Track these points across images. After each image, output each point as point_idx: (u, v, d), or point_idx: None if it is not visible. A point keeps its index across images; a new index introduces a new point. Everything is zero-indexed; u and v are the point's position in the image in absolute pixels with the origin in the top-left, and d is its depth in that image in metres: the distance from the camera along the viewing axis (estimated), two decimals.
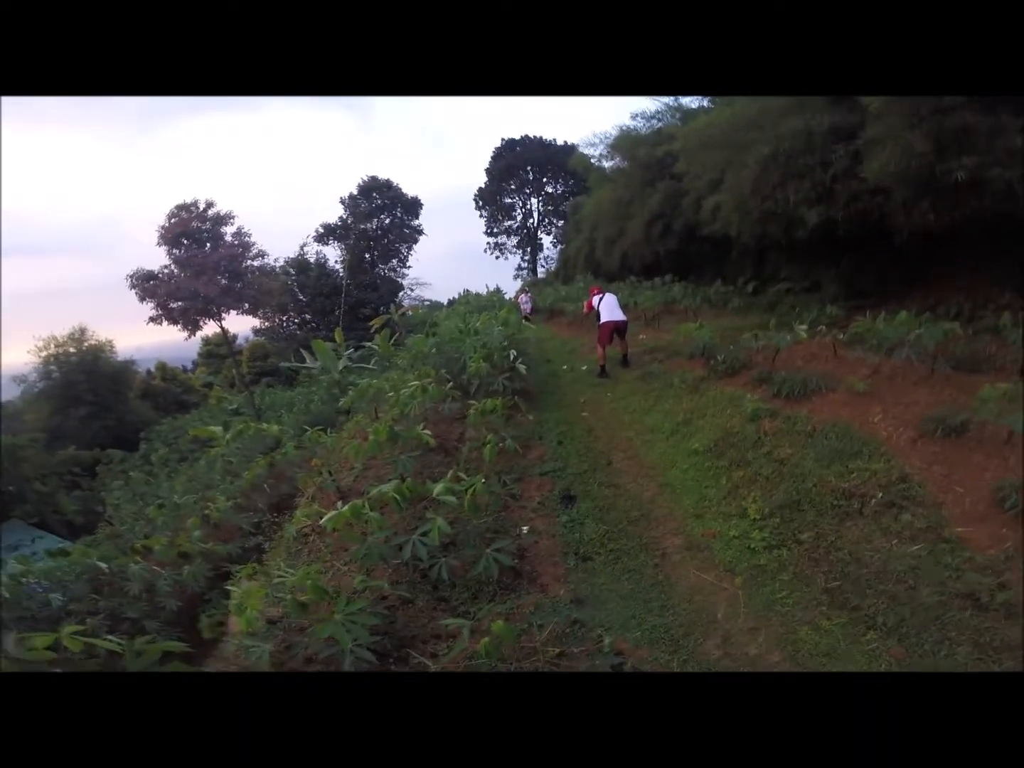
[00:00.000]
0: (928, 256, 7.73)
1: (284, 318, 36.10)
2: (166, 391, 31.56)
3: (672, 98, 16.25)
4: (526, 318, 13.84)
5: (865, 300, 8.22)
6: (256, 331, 35.01)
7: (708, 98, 14.38)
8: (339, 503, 3.50)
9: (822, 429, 4.88)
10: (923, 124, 6.01)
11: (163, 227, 19.60)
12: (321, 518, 3.47)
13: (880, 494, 3.91)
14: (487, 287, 26.16)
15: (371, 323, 11.74)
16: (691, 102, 15.79)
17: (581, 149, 23.18)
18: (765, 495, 4.39)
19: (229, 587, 3.21)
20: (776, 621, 3.25)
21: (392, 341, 10.92)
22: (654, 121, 17.02)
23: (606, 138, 18.53)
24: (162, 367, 33.99)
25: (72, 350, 24.15)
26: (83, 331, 24.62)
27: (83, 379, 23.24)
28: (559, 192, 41.59)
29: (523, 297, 18.79)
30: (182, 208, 19.80)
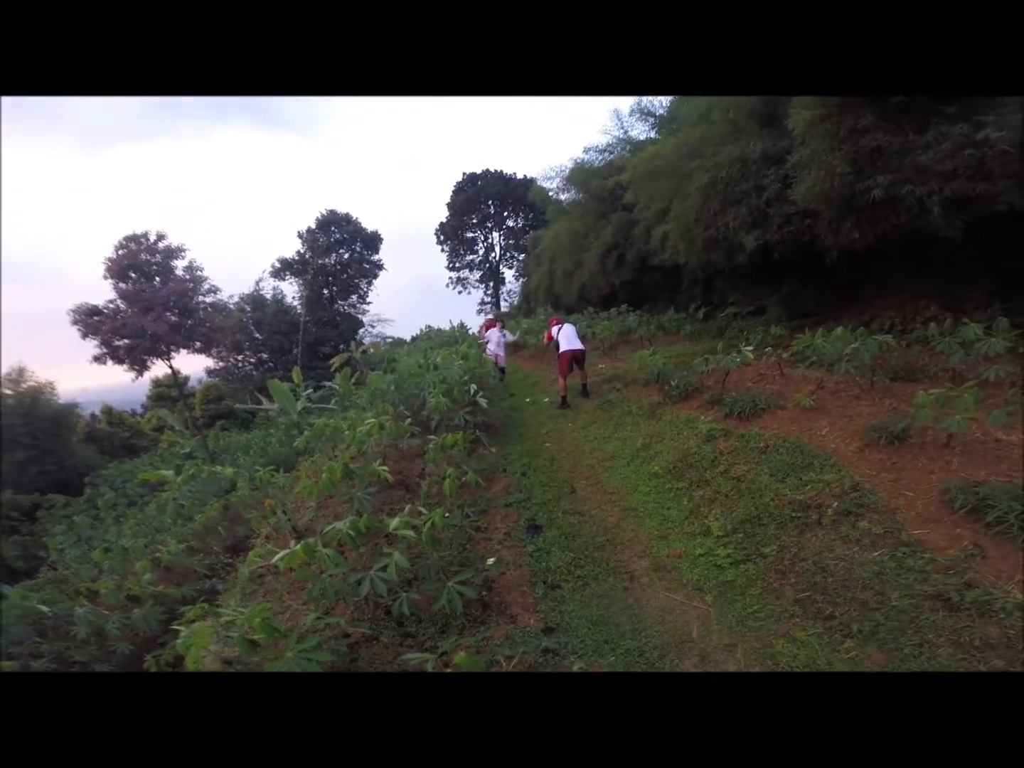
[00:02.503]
0: (859, 275, 8.18)
1: (239, 357, 35.08)
2: (112, 435, 29.92)
3: (621, 131, 16.94)
4: (499, 368, 11.59)
5: (806, 320, 8.61)
6: (210, 372, 33.84)
7: (655, 129, 15.02)
8: (293, 542, 3.35)
9: (774, 445, 5.03)
10: (842, 146, 6.39)
11: (110, 259, 18.70)
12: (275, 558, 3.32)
13: (835, 503, 4.02)
14: (450, 322, 26.18)
15: (331, 361, 11.53)
16: (640, 133, 16.44)
17: (539, 182, 23.58)
18: (726, 512, 4.47)
19: (176, 627, 3.02)
20: (751, 636, 3.25)
21: (353, 380, 10.69)
22: (606, 153, 17.63)
23: (562, 171, 19.05)
24: (108, 410, 32.32)
25: (9, 392, 22.72)
26: (21, 372, 23.26)
27: (20, 422, 21.80)
28: (520, 225, 42.17)
29: (495, 333, 11.95)
30: (131, 240, 18.93)
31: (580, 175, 17.52)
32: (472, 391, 7.07)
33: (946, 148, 5.73)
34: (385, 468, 4.47)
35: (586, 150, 18.50)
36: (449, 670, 2.25)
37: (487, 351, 11.82)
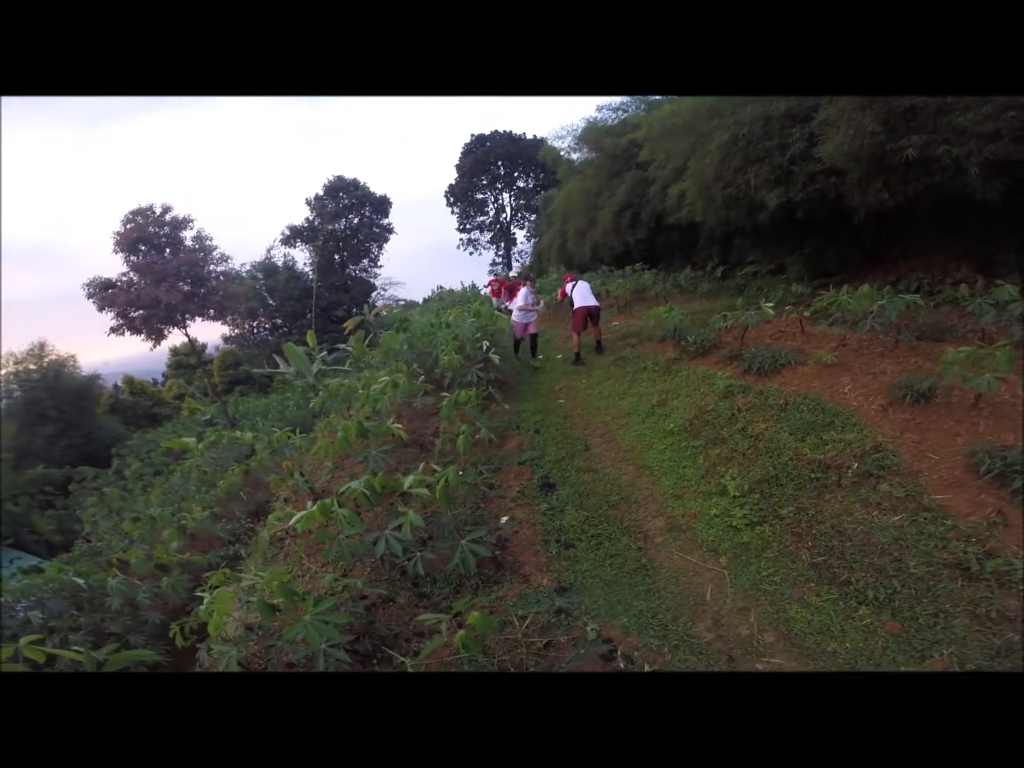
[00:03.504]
0: (886, 236, 7.91)
1: (254, 324, 35.36)
2: (135, 405, 30.69)
3: None
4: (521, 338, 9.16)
5: (828, 279, 8.37)
6: (226, 339, 34.24)
7: None
8: (310, 504, 3.37)
9: (794, 402, 4.91)
10: (873, 105, 6.13)
11: (118, 233, 18.94)
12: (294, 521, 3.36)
13: (856, 464, 3.93)
14: (462, 283, 25.99)
15: (344, 325, 11.55)
16: None
17: (550, 142, 23.13)
18: (743, 472, 4.40)
19: (199, 594, 3.09)
20: (765, 600, 3.25)
21: (367, 342, 10.72)
22: (619, 112, 17.10)
23: (573, 130, 18.63)
24: (129, 380, 33.05)
25: (32, 367, 23.26)
26: (42, 346, 23.77)
27: (46, 396, 22.42)
28: (530, 186, 41.41)
29: (527, 294, 8.94)
30: (137, 213, 19.17)
31: (593, 133, 17.04)
32: (485, 348, 7.02)
33: (987, 110, 5.49)
34: (399, 426, 4.47)
35: (599, 108, 18.10)
36: (461, 633, 2.26)
37: (513, 321, 9.05)
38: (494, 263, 43.47)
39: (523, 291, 8.99)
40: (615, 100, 17.25)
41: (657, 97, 15.54)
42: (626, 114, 16.81)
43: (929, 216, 6.78)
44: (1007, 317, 4.97)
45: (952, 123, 5.71)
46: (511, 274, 11.96)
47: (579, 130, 18.04)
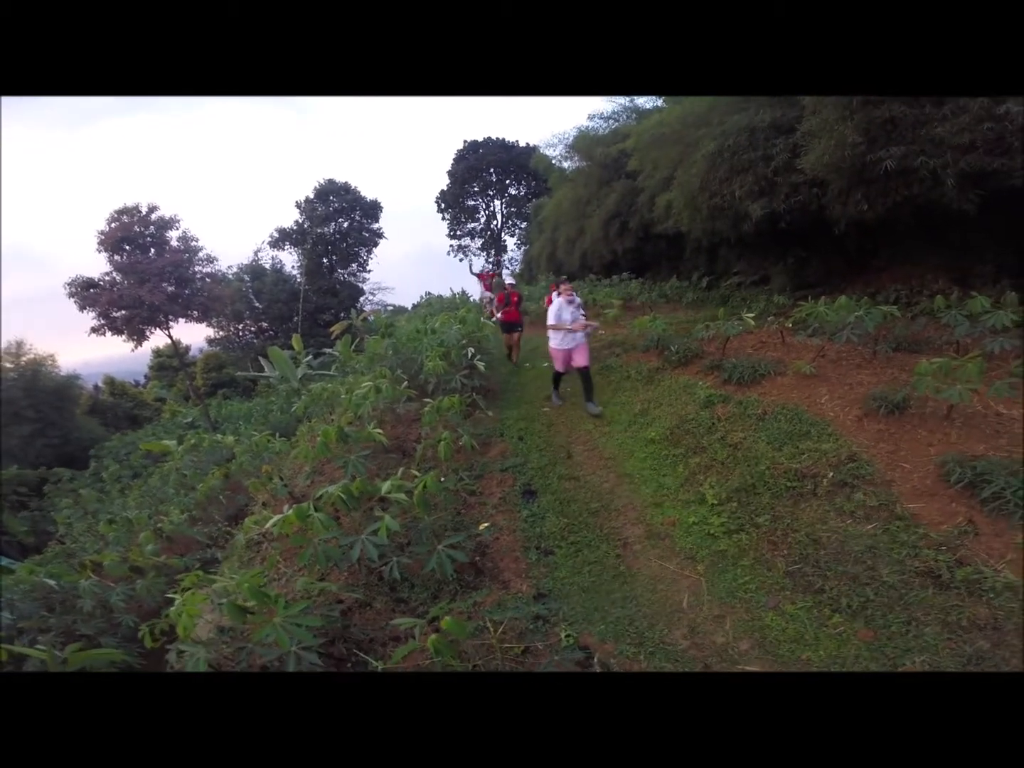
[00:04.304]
0: (867, 247, 8.07)
1: (239, 326, 34.97)
2: (115, 406, 30.15)
3: (627, 98, 16.53)
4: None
5: (811, 290, 8.51)
6: (210, 341, 33.84)
7: (663, 97, 14.69)
8: (288, 508, 3.34)
9: (772, 412, 4.99)
10: (854, 116, 6.26)
11: (103, 232, 18.69)
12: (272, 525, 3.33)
13: (831, 474, 3.99)
14: (451, 290, 26.01)
15: (331, 329, 11.49)
16: (646, 102, 16.07)
17: (542, 150, 23.31)
18: (721, 480, 4.44)
19: (171, 596, 3.05)
20: (741, 607, 3.27)
21: (354, 347, 10.67)
22: (611, 121, 17.30)
23: (565, 139, 18.78)
24: (110, 381, 32.48)
25: (9, 365, 22.80)
26: (19, 345, 23.31)
27: (22, 396, 21.97)
28: (522, 193, 41.66)
29: (564, 304, 6.54)
30: (123, 212, 18.93)
31: (584, 142, 17.21)
32: (470, 354, 7.00)
33: (964, 121, 5.61)
34: (379, 431, 4.45)
35: (591, 117, 18.29)
36: (433, 637, 2.25)
37: (551, 344, 6.73)
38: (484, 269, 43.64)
39: (557, 303, 6.55)
40: (607, 109, 17.53)
41: (647, 107, 15.76)
42: (617, 123, 17.00)
43: (909, 228, 6.92)
44: (980, 329, 5.09)
45: (930, 134, 5.84)
46: (507, 281, 9.68)
47: (571, 139, 18.23)
